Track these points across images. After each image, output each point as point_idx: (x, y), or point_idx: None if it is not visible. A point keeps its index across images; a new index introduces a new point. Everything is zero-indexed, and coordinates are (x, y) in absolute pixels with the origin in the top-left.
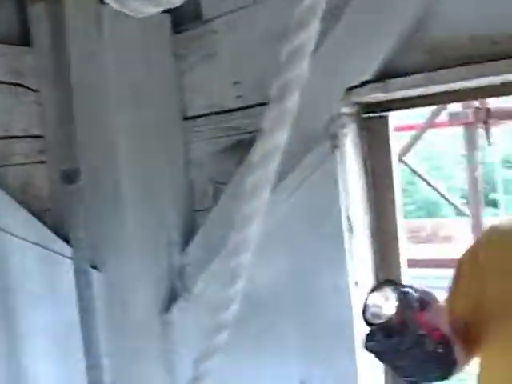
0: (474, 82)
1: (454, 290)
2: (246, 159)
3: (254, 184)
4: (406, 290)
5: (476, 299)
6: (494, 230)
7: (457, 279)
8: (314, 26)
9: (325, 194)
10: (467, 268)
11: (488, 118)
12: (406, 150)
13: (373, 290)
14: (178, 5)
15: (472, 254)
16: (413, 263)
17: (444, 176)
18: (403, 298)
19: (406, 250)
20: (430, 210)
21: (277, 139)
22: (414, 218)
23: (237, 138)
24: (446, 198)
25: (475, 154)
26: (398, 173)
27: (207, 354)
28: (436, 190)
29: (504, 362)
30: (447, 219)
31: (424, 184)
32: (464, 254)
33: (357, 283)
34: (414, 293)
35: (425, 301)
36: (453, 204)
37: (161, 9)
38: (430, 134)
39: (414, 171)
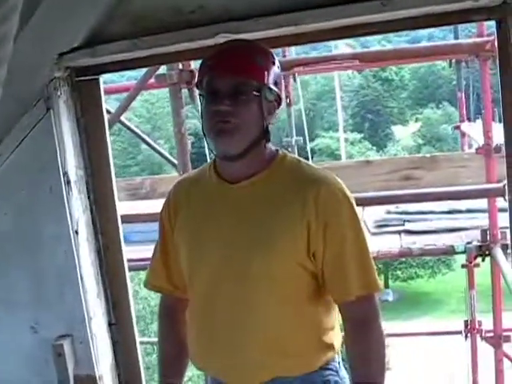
0: (173, 47)
1: (160, 244)
2: None
3: None
4: None
5: (173, 246)
6: (179, 181)
7: (160, 234)
8: (16, 19)
9: (43, 151)
10: (163, 222)
11: (191, 78)
12: (122, 111)
13: None
14: None
15: (164, 207)
16: (134, 218)
17: (165, 136)
18: None
19: (126, 205)
20: (154, 170)
21: None
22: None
23: None
24: (164, 157)
25: (181, 112)
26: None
27: None
28: (155, 149)
29: (195, 286)
30: (165, 175)
31: (146, 145)
32: (161, 210)
33: (77, 232)
34: None
35: None
36: (172, 162)
37: None
38: (151, 96)
39: (133, 132)
